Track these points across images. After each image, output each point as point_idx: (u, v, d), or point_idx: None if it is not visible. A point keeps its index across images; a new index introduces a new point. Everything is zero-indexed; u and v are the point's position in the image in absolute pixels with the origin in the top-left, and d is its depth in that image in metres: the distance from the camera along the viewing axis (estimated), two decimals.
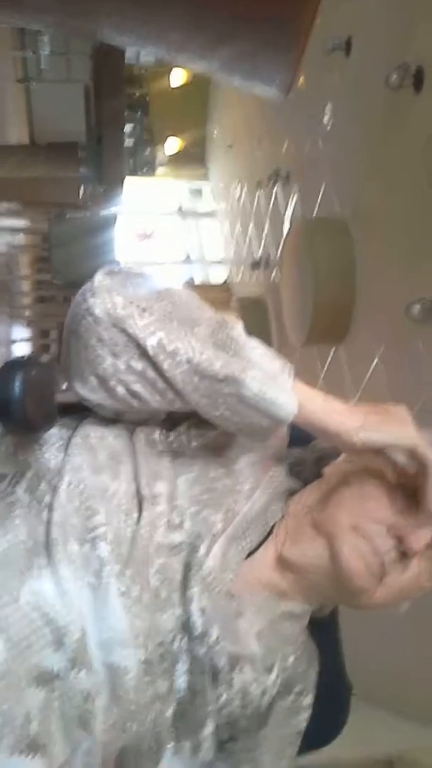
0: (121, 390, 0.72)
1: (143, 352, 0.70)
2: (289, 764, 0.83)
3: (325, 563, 0.77)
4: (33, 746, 0.57)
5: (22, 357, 0.72)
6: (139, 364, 0.71)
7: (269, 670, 0.78)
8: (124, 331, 0.70)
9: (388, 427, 0.73)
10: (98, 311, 0.71)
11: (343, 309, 3.04)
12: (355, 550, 0.75)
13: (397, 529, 0.75)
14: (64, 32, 4.60)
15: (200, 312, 0.76)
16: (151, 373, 0.71)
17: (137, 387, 0.72)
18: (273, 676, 0.78)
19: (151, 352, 0.70)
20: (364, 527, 0.75)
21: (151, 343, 0.70)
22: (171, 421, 0.81)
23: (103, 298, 0.71)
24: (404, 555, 0.75)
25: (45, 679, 0.61)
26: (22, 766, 0.57)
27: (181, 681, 0.71)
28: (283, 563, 0.80)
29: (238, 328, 0.75)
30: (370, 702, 2.42)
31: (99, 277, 0.74)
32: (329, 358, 3.40)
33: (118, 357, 0.71)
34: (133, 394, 0.72)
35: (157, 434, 0.79)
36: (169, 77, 7.27)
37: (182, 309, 0.74)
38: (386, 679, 2.52)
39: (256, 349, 0.74)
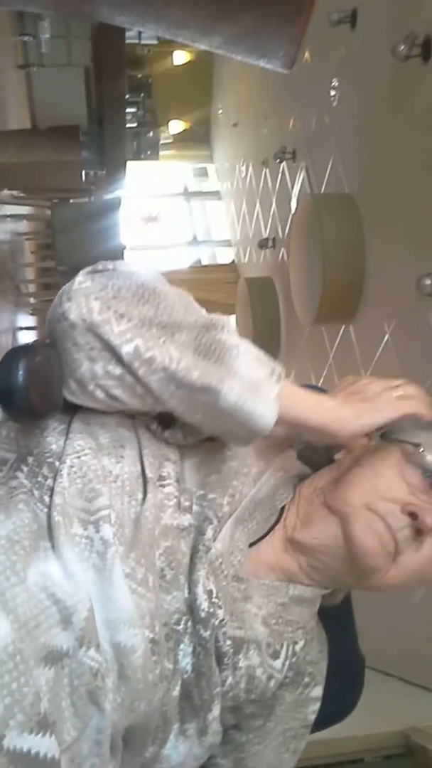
0: (100, 394, 0.71)
1: (119, 359, 0.69)
2: (294, 758, 0.83)
3: (337, 543, 0.76)
4: (43, 724, 0.57)
5: (26, 344, 0.71)
6: (117, 370, 0.69)
7: (276, 655, 0.78)
8: (99, 336, 0.69)
9: (378, 406, 0.75)
10: (73, 316, 0.69)
11: (353, 286, 3.02)
12: (367, 527, 0.74)
13: (411, 506, 0.74)
14: (61, 14, 4.55)
15: (186, 315, 0.73)
16: (129, 379, 0.70)
17: (117, 392, 0.71)
18: (280, 661, 0.78)
19: (125, 359, 0.69)
20: (376, 505, 0.75)
21: (126, 350, 0.68)
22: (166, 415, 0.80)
23: (79, 302, 0.69)
24: (419, 533, 0.74)
25: (54, 657, 0.61)
26: (32, 745, 0.56)
27: (186, 662, 0.71)
28: (294, 546, 0.80)
29: (226, 331, 0.72)
30: (385, 675, 2.43)
31: (79, 278, 0.73)
32: (339, 337, 3.37)
33: (95, 362, 0.69)
34: (114, 398, 0.71)
35: (153, 426, 0.78)
36: (171, 57, 7.20)
37: (166, 312, 0.71)
38: (402, 652, 2.52)
39: (242, 355, 0.71)
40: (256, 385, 0.70)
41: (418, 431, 0.79)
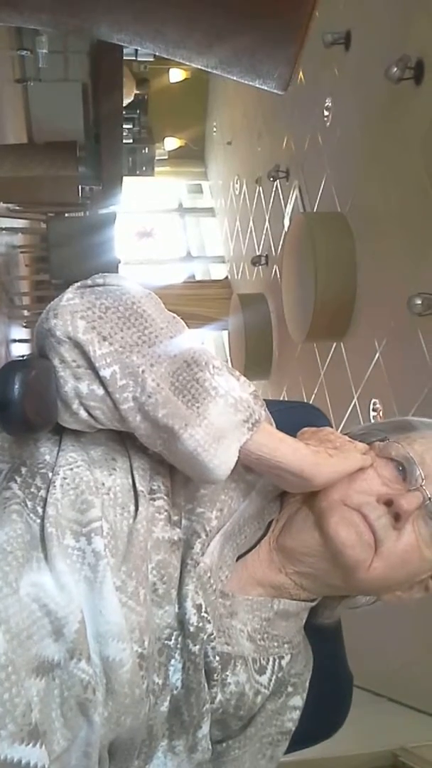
0: (84, 414, 0.71)
1: (101, 381, 0.69)
2: (270, 766, 0.82)
3: (317, 542, 0.77)
4: (34, 734, 0.57)
5: (22, 358, 0.71)
6: (100, 390, 0.70)
7: (262, 670, 0.78)
8: (85, 354, 0.69)
9: (347, 455, 0.77)
10: (59, 333, 0.69)
11: (344, 304, 3.05)
12: (342, 519, 0.75)
13: (386, 495, 0.76)
14: (61, 31, 4.60)
15: (171, 346, 0.71)
16: (110, 402, 0.70)
17: (98, 413, 0.71)
18: (266, 676, 0.78)
19: (103, 383, 0.69)
20: (351, 498, 0.76)
21: (103, 374, 0.68)
22: None
23: (65, 319, 0.69)
24: (397, 519, 0.75)
25: (45, 668, 0.61)
26: (23, 755, 0.56)
27: (176, 678, 0.71)
28: (280, 552, 0.81)
29: (209, 369, 0.71)
30: (375, 695, 2.42)
31: (68, 295, 0.72)
32: (330, 354, 3.39)
33: (81, 380, 0.69)
34: (95, 419, 0.72)
35: (139, 442, 0.77)
36: (168, 75, 7.27)
37: (150, 340, 0.70)
38: (392, 672, 2.52)
39: (218, 399, 0.70)
40: (221, 433, 0.69)
41: (385, 432, 0.84)
